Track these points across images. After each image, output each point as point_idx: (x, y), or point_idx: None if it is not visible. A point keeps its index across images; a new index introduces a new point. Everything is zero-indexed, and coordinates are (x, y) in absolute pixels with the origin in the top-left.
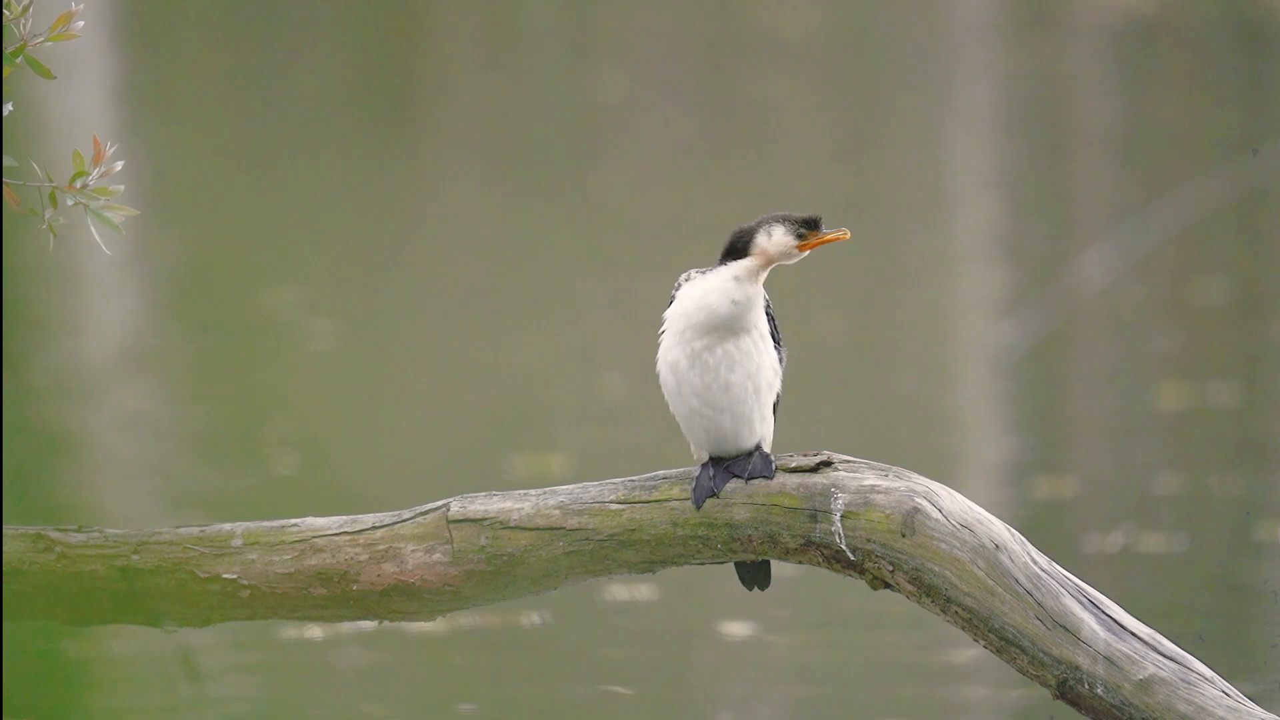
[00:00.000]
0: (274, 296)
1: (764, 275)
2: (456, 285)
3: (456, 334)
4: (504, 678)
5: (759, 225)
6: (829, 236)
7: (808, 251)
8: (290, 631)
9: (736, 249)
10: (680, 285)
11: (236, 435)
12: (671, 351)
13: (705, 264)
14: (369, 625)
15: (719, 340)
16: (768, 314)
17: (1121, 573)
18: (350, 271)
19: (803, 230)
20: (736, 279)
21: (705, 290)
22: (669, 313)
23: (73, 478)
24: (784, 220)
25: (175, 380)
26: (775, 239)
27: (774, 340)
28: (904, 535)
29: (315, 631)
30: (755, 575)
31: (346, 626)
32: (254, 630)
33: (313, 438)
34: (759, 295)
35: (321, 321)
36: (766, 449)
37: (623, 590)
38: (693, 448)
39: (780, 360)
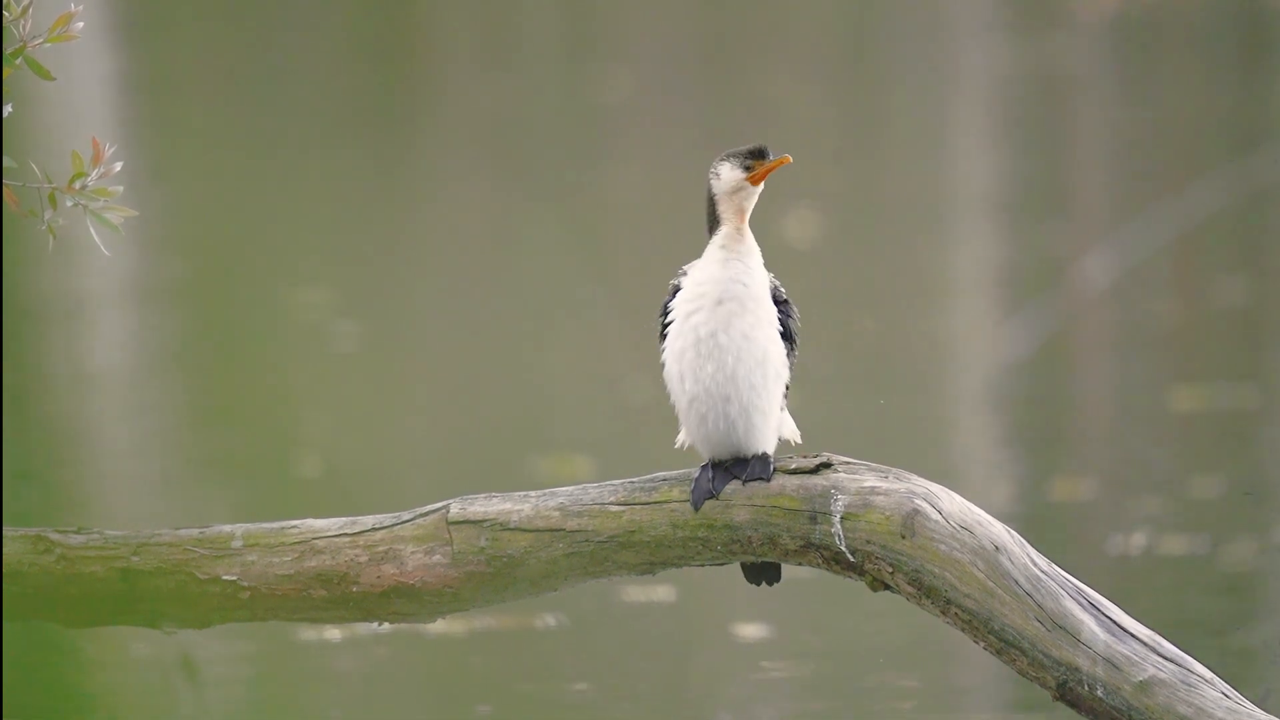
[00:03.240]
0: (285, 297)
1: (744, 228)
2: (465, 287)
3: (470, 335)
4: (521, 679)
5: (708, 177)
6: (774, 163)
7: (761, 184)
8: (308, 633)
9: (710, 216)
10: (678, 278)
11: (258, 438)
12: (677, 341)
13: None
14: (384, 627)
15: (727, 320)
16: (783, 305)
17: (1141, 575)
18: (359, 272)
19: (749, 162)
20: (722, 247)
21: (702, 269)
22: (675, 302)
23: (80, 477)
24: (728, 157)
25: (184, 382)
26: (724, 178)
27: (787, 337)
28: (904, 537)
29: (333, 633)
30: (763, 570)
31: (362, 628)
32: (270, 632)
33: (332, 440)
34: (752, 254)
35: (332, 323)
36: (785, 436)
37: (639, 592)
38: (682, 431)
39: (789, 353)
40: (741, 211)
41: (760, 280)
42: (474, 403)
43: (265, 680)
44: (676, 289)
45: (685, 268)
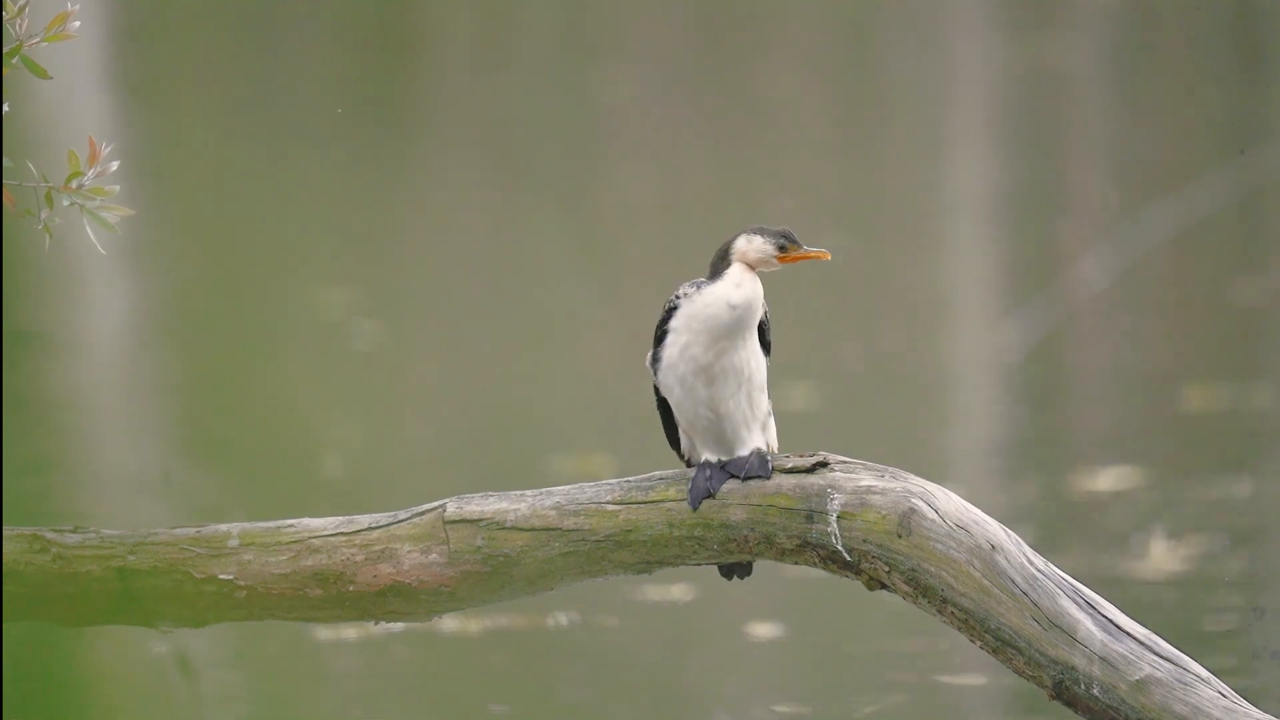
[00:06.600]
0: (294, 296)
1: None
2: (474, 286)
3: (482, 335)
4: (536, 678)
5: (738, 234)
6: (812, 253)
7: (783, 264)
8: (324, 633)
9: (721, 259)
10: (678, 300)
11: (270, 438)
12: (677, 367)
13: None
14: (397, 626)
15: (723, 351)
16: (760, 323)
17: (1153, 576)
18: (365, 272)
19: (784, 242)
20: (738, 285)
21: (706, 302)
22: (673, 325)
23: (81, 477)
24: (762, 231)
25: (189, 383)
26: (755, 245)
27: (764, 344)
28: (900, 536)
29: (349, 633)
30: (734, 564)
31: (377, 628)
32: (285, 632)
33: (348, 439)
34: (758, 298)
35: (344, 322)
36: (772, 445)
37: (655, 590)
38: (683, 439)
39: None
40: (754, 267)
41: (756, 313)
42: (491, 402)
43: (280, 680)
44: (674, 307)
45: (690, 289)
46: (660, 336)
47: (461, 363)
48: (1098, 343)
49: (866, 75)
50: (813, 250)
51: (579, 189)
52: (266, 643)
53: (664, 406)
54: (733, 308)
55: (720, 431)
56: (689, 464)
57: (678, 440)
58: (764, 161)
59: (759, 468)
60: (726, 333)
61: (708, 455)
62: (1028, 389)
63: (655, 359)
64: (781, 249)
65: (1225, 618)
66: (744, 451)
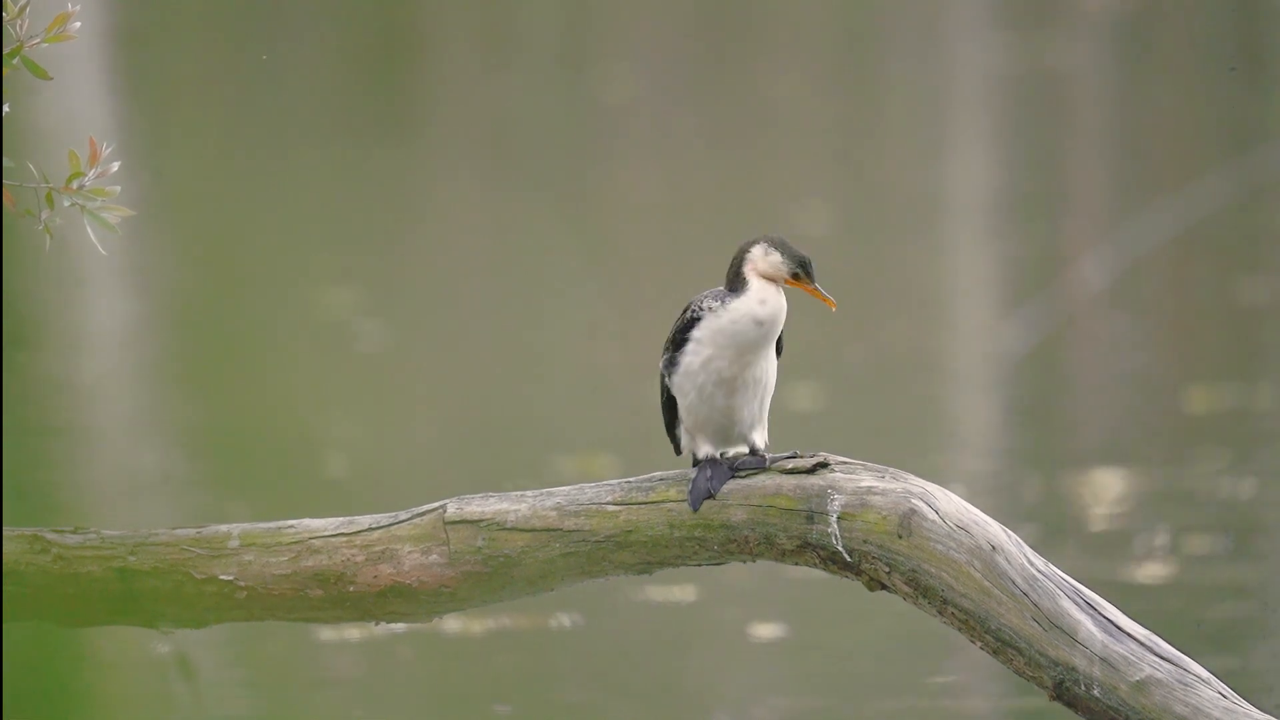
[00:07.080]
0: (297, 298)
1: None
2: (476, 287)
3: (485, 335)
4: (539, 679)
5: (756, 242)
6: (821, 294)
7: (789, 288)
8: (327, 634)
9: (737, 274)
10: (702, 311)
11: (275, 439)
12: (697, 377)
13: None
14: (399, 627)
15: (747, 365)
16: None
17: (1164, 575)
18: (368, 273)
19: (799, 271)
20: (762, 301)
21: (732, 319)
22: (695, 335)
23: (81, 478)
24: (783, 248)
25: (191, 385)
26: (771, 261)
27: (776, 347)
28: (900, 537)
29: (352, 633)
30: None
31: (379, 628)
32: (289, 633)
33: (351, 440)
34: (783, 311)
35: (347, 323)
36: (764, 436)
37: (659, 591)
38: (685, 437)
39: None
40: (769, 280)
41: (781, 326)
42: (492, 402)
43: (281, 680)
44: (698, 318)
45: (713, 301)
46: (679, 342)
47: (463, 363)
48: (1098, 343)
49: (866, 75)
50: (822, 292)
51: (579, 189)
52: (268, 643)
53: (669, 402)
54: (759, 324)
55: (728, 433)
56: (679, 451)
57: (676, 431)
58: (764, 161)
59: (756, 463)
60: (752, 348)
61: (708, 449)
62: (1028, 389)
63: (672, 363)
64: (794, 276)
65: (1227, 619)
66: (743, 449)
